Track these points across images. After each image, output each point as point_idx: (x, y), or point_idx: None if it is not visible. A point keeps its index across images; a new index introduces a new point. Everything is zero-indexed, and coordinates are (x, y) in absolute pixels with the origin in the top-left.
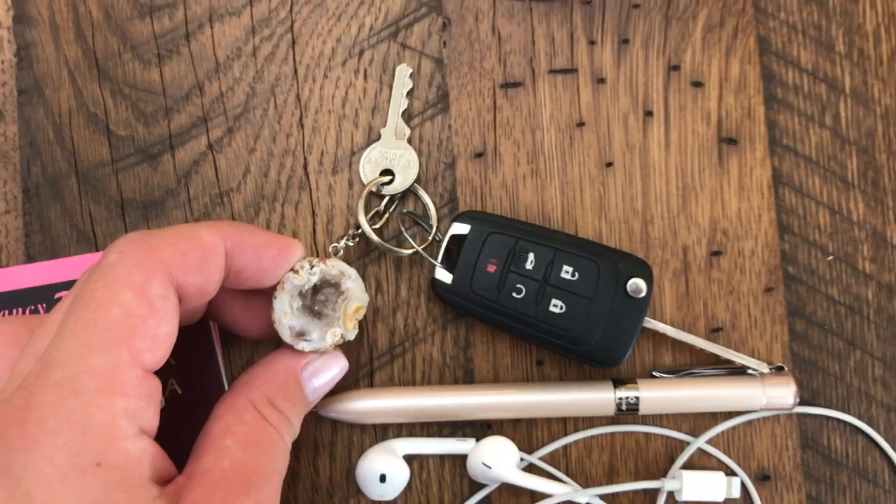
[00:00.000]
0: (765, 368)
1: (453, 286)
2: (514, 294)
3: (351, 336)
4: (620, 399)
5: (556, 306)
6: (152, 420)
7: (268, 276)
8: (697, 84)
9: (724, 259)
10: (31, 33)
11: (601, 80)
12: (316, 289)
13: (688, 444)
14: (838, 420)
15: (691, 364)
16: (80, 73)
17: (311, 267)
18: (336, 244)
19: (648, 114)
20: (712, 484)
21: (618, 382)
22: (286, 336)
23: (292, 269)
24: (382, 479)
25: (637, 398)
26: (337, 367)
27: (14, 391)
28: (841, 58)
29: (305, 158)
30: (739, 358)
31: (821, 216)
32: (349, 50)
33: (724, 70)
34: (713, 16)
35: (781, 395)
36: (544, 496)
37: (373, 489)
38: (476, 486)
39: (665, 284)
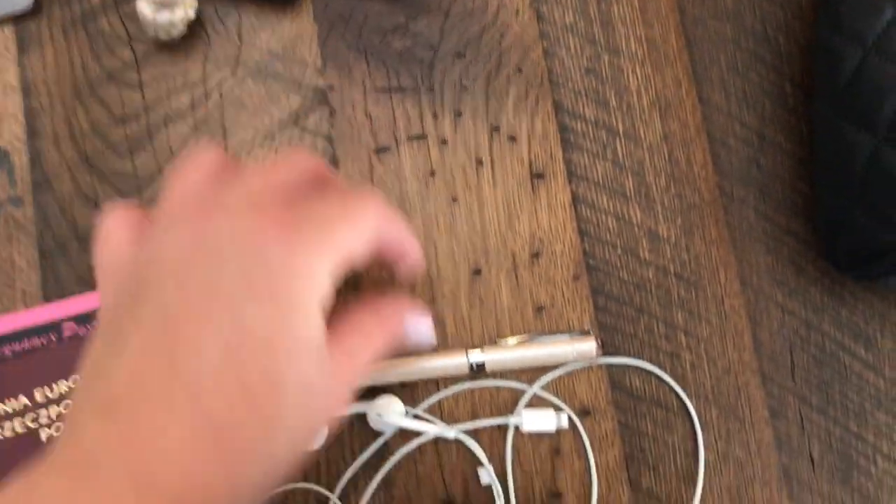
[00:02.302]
0: (575, 332)
1: None
2: None
3: (192, 13)
4: (472, 362)
5: None
6: None
7: None
8: (512, 139)
9: (541, 258)
10: (39, 143)
11: (444, 142)
12: (163, 2)
13: (525, 391)
14: (636, 367)
15: (524, 332)
16: (76, 167)
17: None
18: None
19: (479, 162)
20: (545, 418)
21: (470, 349)
22: (147, 11)
23: None
24: None
25: (483, 361)
26: (426, 330)
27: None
28: (614, 110)
29: None
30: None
31: (609, 222)
32: (264, 136)
33: (530, 127)
34: (520, 90)
35: (586, 348)
36: (424, 434)
37: None
38: (377, 434)
39: (502, 279)
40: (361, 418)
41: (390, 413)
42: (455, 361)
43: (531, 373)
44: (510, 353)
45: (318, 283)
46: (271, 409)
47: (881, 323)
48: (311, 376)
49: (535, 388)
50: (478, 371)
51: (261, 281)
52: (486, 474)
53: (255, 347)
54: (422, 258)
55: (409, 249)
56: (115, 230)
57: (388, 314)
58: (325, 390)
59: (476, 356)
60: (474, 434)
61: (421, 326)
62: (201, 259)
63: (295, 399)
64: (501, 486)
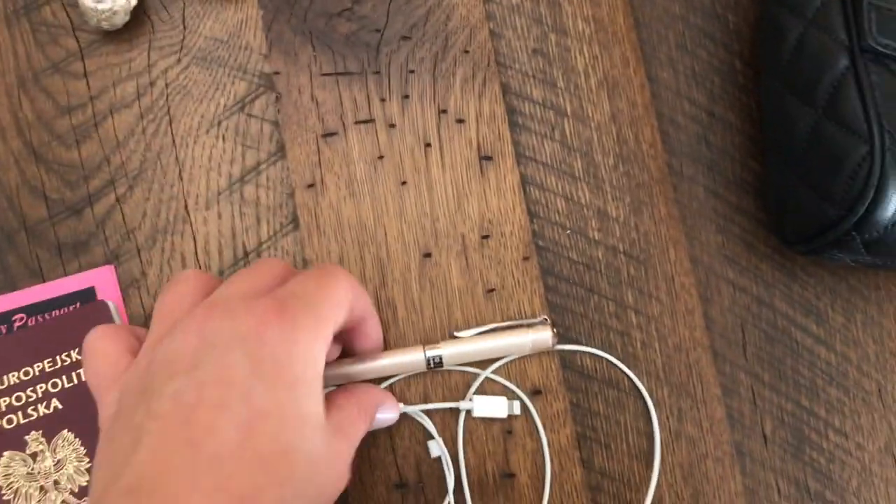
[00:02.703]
0: (533, 321)
1: None
2: None
3: (134, 1)
4: (429, 358)
5: None
6: None
7: None
8: (460, 121)
9: (491, 240)
10: None
11: (392, 125)
12: None
13: (478, 375)
14: (587, 327)
15: (481, 319)
16: (23, 158)
17: None
18: None
19: (428, 145)
20: (496, 405)
21: (427, 346)
22: (88, 0)
23: None
24: None
25: (441, 356)
26: (393, 414)
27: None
28: (562, 91)
29: (185, 201)
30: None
31: (558, 203)
32: (210, 122)
33: (478, 109)
34: (467, 72)
35: (543, 339)
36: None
37: None
38: None
39: (452, 262)
40: None
41: None
42: (413, 358)
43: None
44: (467, 346)
45: (317, 363)
46: (285, 476)
47: (832, 298)
48: (317, 446)
49: (487, 373)
50: (436, 366)
51: (267, 366)
52: (436, 446)
53: (267, 424)
54: (381, 336)
55: (372, 325)
56: (105, 344)
57: (367, 404)
58: (329, 461)
59: (433, 352)
60: (432, 419)
61: (389, 413)
62: (209, 353)
63: (304, 468)
64: (454, 467)
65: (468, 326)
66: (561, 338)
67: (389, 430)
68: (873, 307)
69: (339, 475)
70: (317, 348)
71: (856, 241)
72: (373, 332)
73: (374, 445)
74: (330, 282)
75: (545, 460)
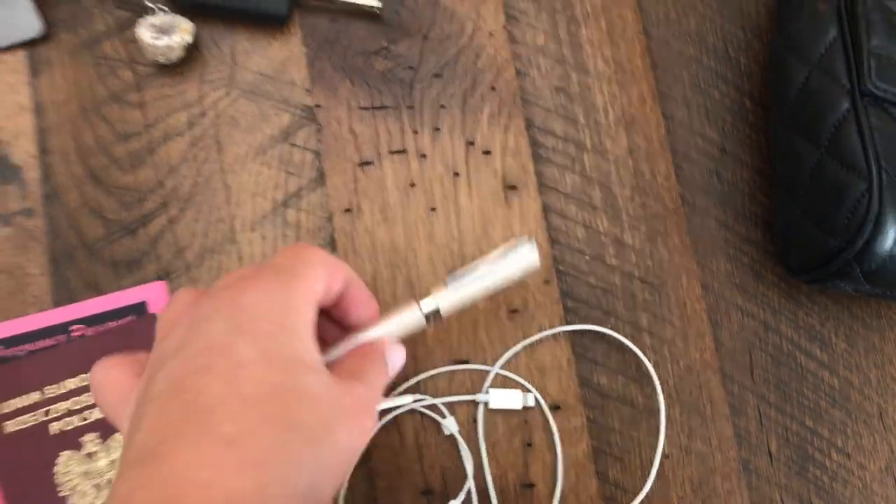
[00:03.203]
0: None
1: None
2: None
3: (189, 38)
4: (426, 313)
5: None
6: None
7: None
8: (487, 152)
9: None
10: (50, 158)
11: (423, 156)
12: (161, 28)
13: (499, 373)
14: (605, 348)
15: (505, 340)
16: (83, 181)
17: (156, 13)
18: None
19: (456, 174)
20: (512, 397)
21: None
22: (147, 37)
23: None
24: None
25: (437, 306)
26: (400, 353)
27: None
28: (582, 126)
29: (232, 223)
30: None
31: (578, 231)
32: (256, 150)
33: (504, 141)
34: (493, 108)
35: (528, 258)
36: (398, 407)
37: None
38: None
39: None
40: None
41: None
42: (409, 315)
43: (495, 354)
44: (460, 291)
45: (299, 311)
46: (278, 415)
47: (835, 325)
48: (313, 386)
49: (496, 368)
50: (434, 319)
51: (245, 324)
52: (447, 427)
53: (249, 370)
54: (372, 298)
55: (359, 289)
56: (112, 373)
57: (370, 350)
58: (335, 406)
59: (428, 304)
60: (454, 411)
61: (396, 354)
62: (195, 332)
63: (300, 407)
64: (475, 457)
65: (492, 346)
66: (579, 356)
67: (417, 441)
68: (875, 334)
69: (352, 416)
70: (296, 298)
71: (856, 272)
72: (362, 296)
73: (402, 454)
74: (297, 249)
75: (557, 471)
